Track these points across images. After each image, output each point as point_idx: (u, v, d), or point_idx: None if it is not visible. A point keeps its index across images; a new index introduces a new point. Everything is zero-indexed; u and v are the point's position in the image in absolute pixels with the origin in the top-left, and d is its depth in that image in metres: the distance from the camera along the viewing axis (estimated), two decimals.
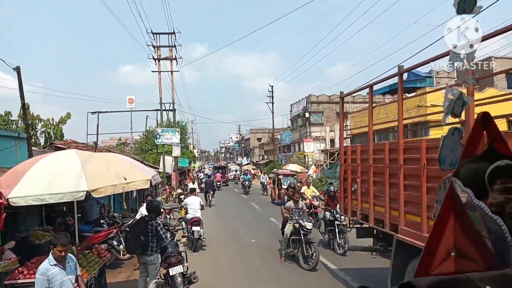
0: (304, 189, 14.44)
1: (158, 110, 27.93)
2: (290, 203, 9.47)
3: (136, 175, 5.55)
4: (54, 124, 32.15)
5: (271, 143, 54.99)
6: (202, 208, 11.32)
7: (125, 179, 5.27)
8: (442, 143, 1.30)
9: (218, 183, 33.25)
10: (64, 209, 9.50)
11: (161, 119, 27.53)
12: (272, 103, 38.99)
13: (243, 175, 34.77)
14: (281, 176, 22.16)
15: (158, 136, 27.29)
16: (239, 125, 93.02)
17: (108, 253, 7.40)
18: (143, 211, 9.80)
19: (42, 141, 24.21)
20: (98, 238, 8.74)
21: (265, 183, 29.87)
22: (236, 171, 52.26)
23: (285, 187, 17.87)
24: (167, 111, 28.28)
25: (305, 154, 34.93)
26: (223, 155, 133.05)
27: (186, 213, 11.29)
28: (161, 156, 27.76)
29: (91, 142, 17.76)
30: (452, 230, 1.02)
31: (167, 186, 26.37)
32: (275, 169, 30.55)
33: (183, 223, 11.48)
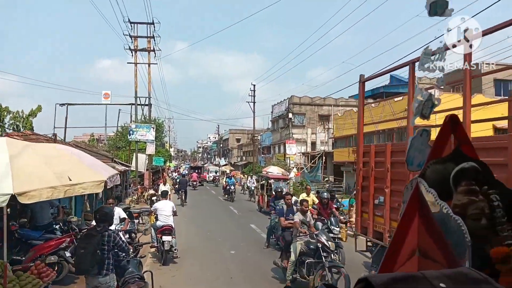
0: (302, 196, 12.11)
1: (133, 104, 26.19)
2: (299, 215, 7.55)
3: (86, 175, 4.17)
4: (24, 116, 30.20)
5: (250, 144, 53.79)
6: (174, 214, 9.85)
7: (70, 180, 3.87)
8: (410, 144, 1.24)
9: (194, 183, 33.38)
10: (8, 212, 7.91)
11: (136, 114, 25.79)
12: (254, 102, 37.75)
13: (226, 178, 29.03)
14: (271, 181, 18.60)
15: (131, 132, 25.60)
16: (218, 125, 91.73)
17: (52, 271, 5.90)
18: None
19: None
20: (47, 248, 7.23)
21: (252, 188, 25.87)
22: (216, 172, 47.83)
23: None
24: (142, 106, 26.55)
25: (287, 156, 33.82)
26: (200, 155, 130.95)
27: (156, 219, 9.86)
28: (134, 154, 26.12)
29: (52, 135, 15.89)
30: (417, 230, 1.03)
31: (139, 186, 24.73)
32: (264, 171, 26.99)
33: (152, 231, 10.01)
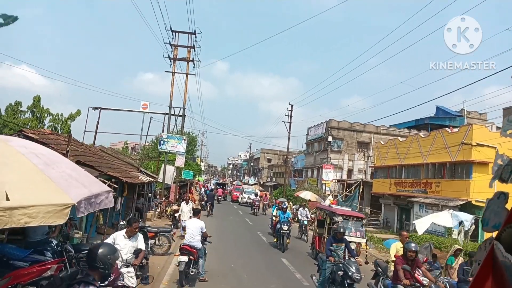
0: (397, 248, 8.50)
1: (166, 114, 25.11)
2: None
3: (42, 192, 2.52)
4: (63, 119, 30.14)
5: (282, 165, 51.89)
6: (204, 236, 9.26)
7: (8, 200, 2.23)
8: (487, 206, 1.23)
9: (219, 197, 35.68)
10: None
11: (168, 124, 24.65)
12: (290, 122, 35.97)
13: (277, 209, 18.05)
14: (338, 219, 12.23)
15: (162, 142, 24.49)
16: (250, 143, 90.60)
17: None
18: (117, 238, 6.71)
19: None
20: (27, 276, 5.65)
21: (305, 223, 19.04)
22: (256, 195, 34.59)
23: (351, 239, 11.78)
24: (176, 117, 25.42)
25: (323, 181, 31.60)
26: (230, 172, 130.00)
27: None
28: (162, 165, 24.91)
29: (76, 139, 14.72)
30: None
31: (164, 199, 23.37)
32: (321, 202, 22.51)
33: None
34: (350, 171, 38.60)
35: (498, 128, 22.63)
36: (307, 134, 46.40)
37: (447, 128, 24.24)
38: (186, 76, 25.11)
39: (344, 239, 8.53)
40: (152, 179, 20.17)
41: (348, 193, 32.72)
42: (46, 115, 30.26)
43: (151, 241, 10.93)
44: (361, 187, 31.97)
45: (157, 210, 21.30)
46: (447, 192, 21.65)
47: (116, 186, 11.96)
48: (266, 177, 68.11)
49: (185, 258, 8.48)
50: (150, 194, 21.60)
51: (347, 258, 8.13)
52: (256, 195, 34.36)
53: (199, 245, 8.84)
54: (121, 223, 10.42)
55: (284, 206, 16.46)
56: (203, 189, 40.02)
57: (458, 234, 12.32)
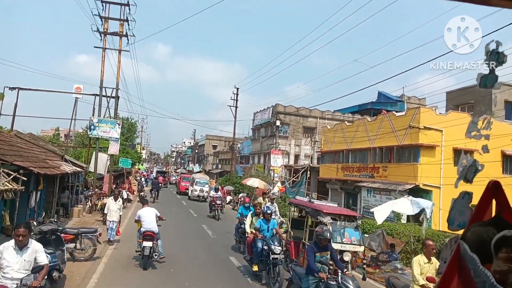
0: (419, 263, 6.20)
1: (97, 95, 22.36)
2: None
3: None
4: None
5: (228, 152, 50.42)
6: (161, 219, 10.32)
7: None
8: (452, 205, 1.30)
9: (160, 184, 33.98)
10: None
11: (100, 106, 21.97)
12: (236, 107, 34.42)
13: (252, 215, 10.78)
14: (326, 219, 9.05)
15: (92, 127, 21.79)
16: (194, 130, 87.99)
17: None
18: (5, 251, 4.95)
19: None
20: None
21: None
22: (216, 190, 22.73)
23: (344, 246, 8.95)
24: (108, 99, 22.72)
25: (271, 168, 30.52)
26: (173, 159, 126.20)
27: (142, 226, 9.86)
28: (93, 152, 22.26)
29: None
30: None
31: (97, 190, 20.85)
32: (269, 189, 19.88)
33: (137, 236, 10.01)
34: (297, 157, 38.05)
35: (440, 113, 22.76)
36: (253, 119, 45.21)
37: (394, 112, 24.07)
38: (119, 52, 22.50)
39: (329, 245, 6.78)
40: (79, 169, 17.67)
41: (295, 179, 32.06)
42: None
43: (70, 245, 8.94)
44: (308, 172, 31.43)
45: (88, 204, 18.83)
46: (395, 176, 21.44)
47: (25, 179, 9.72)
48: (211, 164, 66.36)
49: (150, 244, 9.08)
50: (78, 186, 19.06)
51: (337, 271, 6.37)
52: (216, 190, 22.64)
53: (157, 229, 9.73)
54: (34, 222, 8.34)
55: (268, 211, 9.90)
56: (143, 178, 37.49)
57: (422, 223, 11.60)
